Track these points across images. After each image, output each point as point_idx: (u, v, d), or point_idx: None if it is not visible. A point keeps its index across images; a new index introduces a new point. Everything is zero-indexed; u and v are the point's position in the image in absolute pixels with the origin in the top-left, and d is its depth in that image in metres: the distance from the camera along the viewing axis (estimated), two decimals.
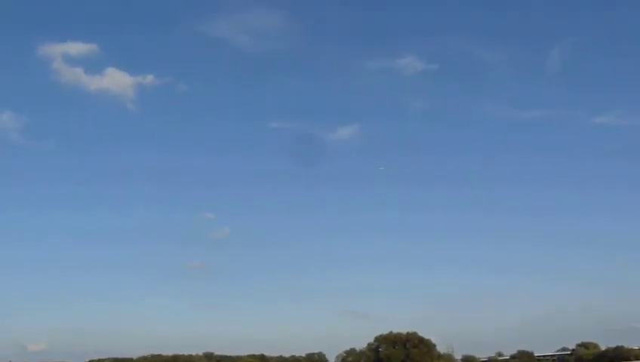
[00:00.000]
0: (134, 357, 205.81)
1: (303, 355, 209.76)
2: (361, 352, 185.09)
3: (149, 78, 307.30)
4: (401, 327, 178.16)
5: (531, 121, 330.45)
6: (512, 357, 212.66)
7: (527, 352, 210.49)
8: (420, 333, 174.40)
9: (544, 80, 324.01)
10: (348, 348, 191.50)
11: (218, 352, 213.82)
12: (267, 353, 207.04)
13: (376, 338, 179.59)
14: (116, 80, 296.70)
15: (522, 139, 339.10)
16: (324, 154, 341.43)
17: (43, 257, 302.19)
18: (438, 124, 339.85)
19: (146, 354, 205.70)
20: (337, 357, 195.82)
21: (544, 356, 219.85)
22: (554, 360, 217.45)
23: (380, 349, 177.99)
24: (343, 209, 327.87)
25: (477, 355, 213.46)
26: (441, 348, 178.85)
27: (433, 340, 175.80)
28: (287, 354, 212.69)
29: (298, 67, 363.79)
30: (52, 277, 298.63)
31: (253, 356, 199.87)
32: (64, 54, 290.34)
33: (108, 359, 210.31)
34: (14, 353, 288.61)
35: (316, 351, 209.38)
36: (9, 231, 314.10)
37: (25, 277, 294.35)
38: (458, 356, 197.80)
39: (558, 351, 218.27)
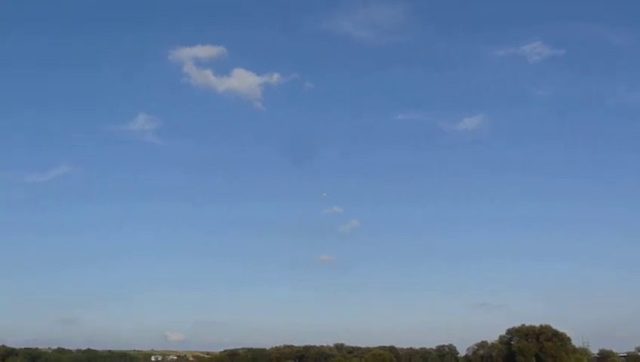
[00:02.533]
0: (267, 347, 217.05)
1: (434, 347, 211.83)
2: (493, 345, 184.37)
3: (275, 77, 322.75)
4: (534, 320, 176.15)
5: None
6: None
7: None
8: (554, 326, 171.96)
9: None
10: (479, 341, 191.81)
11: (348, 343, 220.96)
12: (397, 344, 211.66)
13: (508, 331, 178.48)
14: (243, 80, 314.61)
15: None
16: (448, 145, 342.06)
17: (182, 250, 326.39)
18: (566, 112, 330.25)
19: (278, 345, 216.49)
20: (468, 349, 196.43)
21: None
22: None
23: (512, 342, 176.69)
24: (473, 200, 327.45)
25: (615, 350, 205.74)
26: (576, 342, 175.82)
27: (568, 334, 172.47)
28: (417, 346, 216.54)
29: (421, 59, 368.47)
30: (191, 270, 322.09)
31: (383, 347, 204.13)
32: (194, 58, 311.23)
33: (242, 349, 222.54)
34: (156, 342, 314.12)
35: (446, 343, 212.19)
36: (153, 226, 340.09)
37: (166, 270, 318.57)
38: (594, 350, 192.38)
39: None
